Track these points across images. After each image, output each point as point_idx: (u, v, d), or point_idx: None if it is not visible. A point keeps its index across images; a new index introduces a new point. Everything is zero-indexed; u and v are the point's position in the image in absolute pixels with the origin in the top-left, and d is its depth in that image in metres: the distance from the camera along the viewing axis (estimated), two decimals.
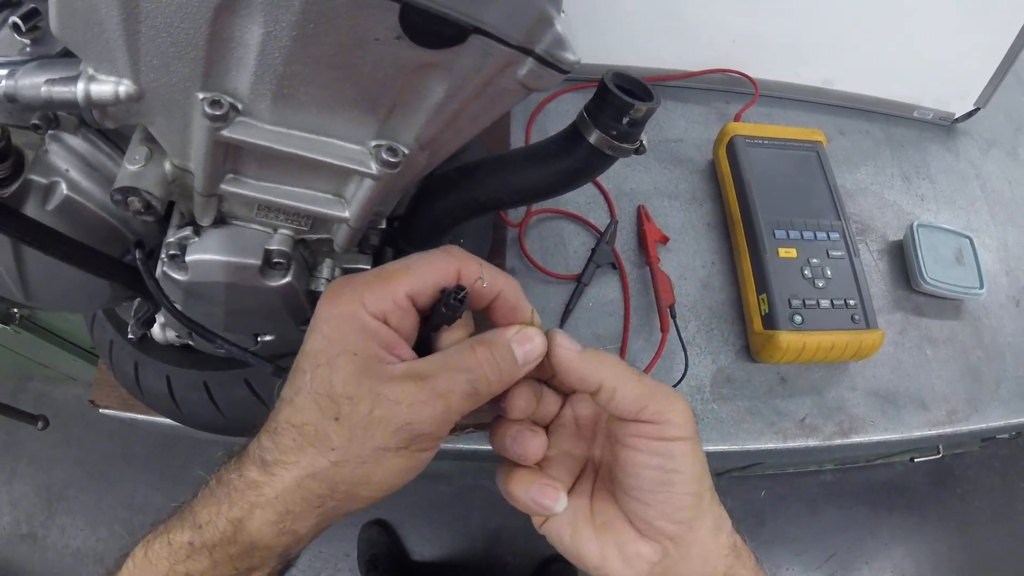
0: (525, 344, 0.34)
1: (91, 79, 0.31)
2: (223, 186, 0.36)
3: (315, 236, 0.42)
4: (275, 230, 0.40)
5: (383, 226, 0.45)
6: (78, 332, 1.34)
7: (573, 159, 0.38)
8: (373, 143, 0.34)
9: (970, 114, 1.00)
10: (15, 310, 1.17)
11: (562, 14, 0.30)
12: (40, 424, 1.23)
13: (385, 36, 0.27)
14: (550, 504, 0.36)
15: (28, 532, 1.72)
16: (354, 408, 0.31)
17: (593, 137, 0.36)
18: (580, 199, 0.85)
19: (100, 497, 1.76)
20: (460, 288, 0.33)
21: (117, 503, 1.75)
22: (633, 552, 0.36)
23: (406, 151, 0.34)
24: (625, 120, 0.35)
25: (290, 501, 0.31)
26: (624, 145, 0.37)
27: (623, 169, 0.88)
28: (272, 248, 0.40)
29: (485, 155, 0.43)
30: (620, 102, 0.35)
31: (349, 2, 0.26)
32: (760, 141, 0.84)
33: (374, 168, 0.34)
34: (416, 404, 0.31)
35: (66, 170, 0.41)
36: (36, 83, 0.32)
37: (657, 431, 0.34)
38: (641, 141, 0.38)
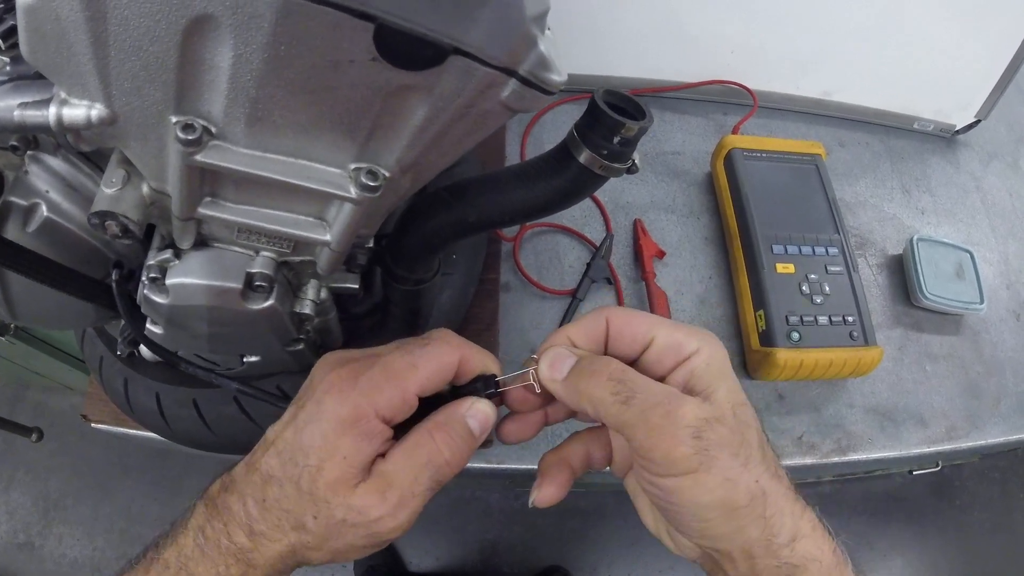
0: (478, 417, 0.38)
1: (63, 103, 0.30)
2: (201, 209, 0.35)
3: (298, 258, 0.41)
4: (256, 252, 0.39)
5: (371, 245, 0.44)
6: (73, 343, 1.32)
7: (563, 179, 0.37)
8: (352, 166, 0.33)
9: (971, 126, 0.99)
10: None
11: (547, 33, 0.29)
12: (34, 436, 1.23)
13: (360, 58, 0.26)
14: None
15: (25, 541, 1.71)
16: (330, 513, 0.34)
17: (583, 157, 0.35)
18: (576, 213, 0.84)
19: (97, 507, 1.75)
20: (497, 382, 0.39)
21: (114, 513, 1.74)
22: (679, 540, 0.37)
23: (387, 174, 0.33)
24: (616, 139, 0.34)
25: (276, 567, 0.36)
26: (615, 165, 0.35)
27: (619, 182, 0.87)
28: (253, 271, 0.39)
29: (478, 170, 0.42)
30: (611, 121, 0.33)
31: (321, 23, 0.25)
32: (758, 154, 0.83)
33: (353, 192, 0.33)
34: (384, 517, 0.35)
35: (46, 191, 0.40)
36: (9, 106, 0.31)
37: (649, 468, 0.33)
38: (633, 160, 0.36)
